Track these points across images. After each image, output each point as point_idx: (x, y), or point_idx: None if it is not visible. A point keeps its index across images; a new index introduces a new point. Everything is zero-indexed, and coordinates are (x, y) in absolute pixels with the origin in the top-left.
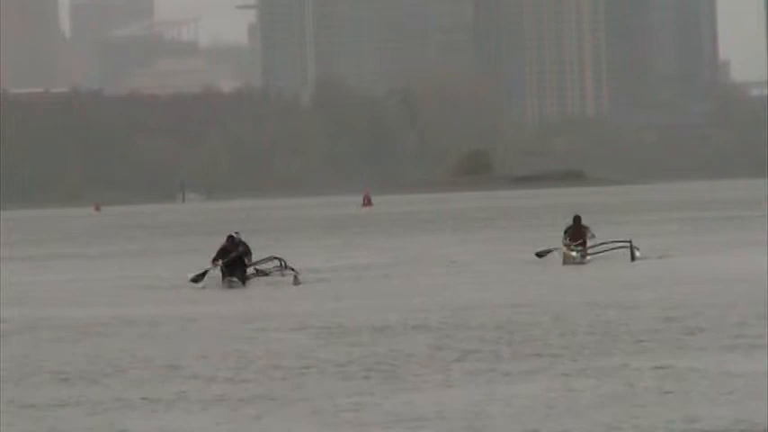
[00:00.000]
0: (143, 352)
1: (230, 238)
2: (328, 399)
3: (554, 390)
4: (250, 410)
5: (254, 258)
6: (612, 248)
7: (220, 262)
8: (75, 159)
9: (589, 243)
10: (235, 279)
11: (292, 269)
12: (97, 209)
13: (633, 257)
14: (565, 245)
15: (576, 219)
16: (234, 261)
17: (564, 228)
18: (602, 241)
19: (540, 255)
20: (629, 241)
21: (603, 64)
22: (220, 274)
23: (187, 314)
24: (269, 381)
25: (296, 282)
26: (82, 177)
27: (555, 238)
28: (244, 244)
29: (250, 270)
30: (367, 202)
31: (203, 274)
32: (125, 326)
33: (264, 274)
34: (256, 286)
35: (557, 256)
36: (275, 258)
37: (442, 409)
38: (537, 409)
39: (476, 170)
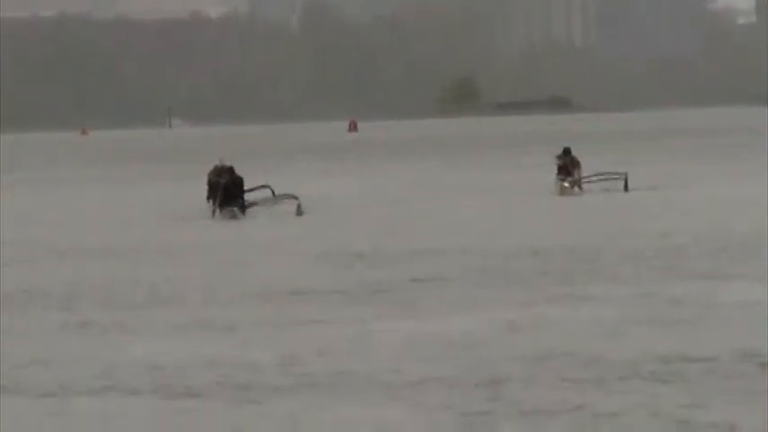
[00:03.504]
0: (141, 276)
1: (220, 169)
2: (329, 324)
3: (530, 317)
4: (242, 336)
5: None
6: (607, 179)
7: (217, 202)
8: (63, 84)
9: (577, 175)
10: (234, 209)
11: (295, 197)
12: (84, 133)
13: (627, 188)
14: (559, 178)
15: (566, 151)
16: (230, 189)
17: (553, 155)
18: (596, 172)
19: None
20: (625, 173)
21: None
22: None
23: (190, 240)
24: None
25: (299, 212)
26: (69, 102)
27: (544, 164)
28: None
29: (247, 198)
30: (353, 128)
31: (216, 207)
32: (129, 251)
33: (255, 203)
34: (258, 217)
35: (552, 188)
36: (265, 187)
37: (448, 334)
38: (523, 336)
39: (462, 97)
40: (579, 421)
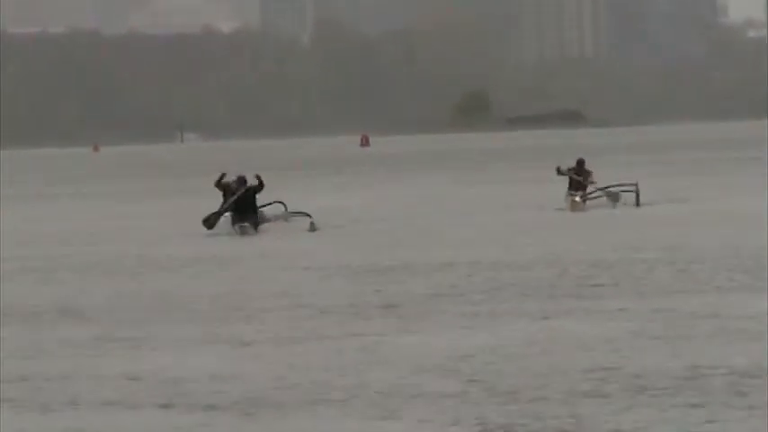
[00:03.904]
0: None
1: (240, 179)
2: (343, 338)
3: (546, 332)
4: (251, 351)
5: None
6: (618, 192)
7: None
8: (73, 99)
9: (590, 188)
10: (246, 224)
11: (308, 215)
12: (96, 149)
13: (638, 203)
14: (570, 193)
15: (580, 162)
16: (245, 201)
17: (565, 168)
18: (607, 185)
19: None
20: (635, 184)
21: (602, 3)
22: (230, 218)
23: (203, 255)
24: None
25: (312, 228)
26: (80, 117)
27: (556, 179)
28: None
29: (261, 214)
30: (365, 142)
31: (217, 215)
32: (142, 265)
33: (268, 219)
34: (271, 233)
35: (563, 203)
36: (278, 203)
37: (461, 348)
38: (538, 350)
39: (474, 111)
40: None
